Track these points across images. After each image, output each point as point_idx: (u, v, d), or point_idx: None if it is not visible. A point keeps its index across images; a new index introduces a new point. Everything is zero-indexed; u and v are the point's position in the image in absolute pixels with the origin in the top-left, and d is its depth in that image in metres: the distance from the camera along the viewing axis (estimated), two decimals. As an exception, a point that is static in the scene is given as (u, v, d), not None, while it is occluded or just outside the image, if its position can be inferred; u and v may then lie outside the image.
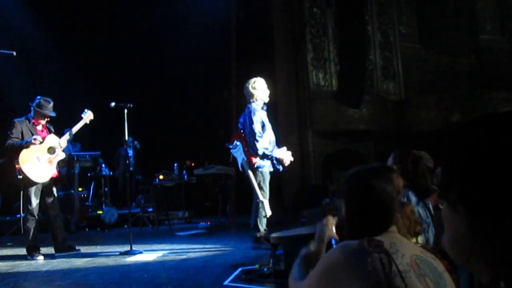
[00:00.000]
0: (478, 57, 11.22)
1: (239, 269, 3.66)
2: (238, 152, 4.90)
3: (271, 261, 3.52)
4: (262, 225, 4.75)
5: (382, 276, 1.07)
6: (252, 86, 4.95)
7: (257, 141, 4.76)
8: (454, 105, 9.56)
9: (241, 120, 5.03)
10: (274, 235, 3.76)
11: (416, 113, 10.03)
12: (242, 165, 4.89)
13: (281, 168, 4.95)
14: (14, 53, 4.74)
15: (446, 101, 9.87)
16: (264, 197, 4.73)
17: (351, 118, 9.41)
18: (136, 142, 8.36)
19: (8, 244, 5.89)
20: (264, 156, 4.78)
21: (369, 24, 10.20)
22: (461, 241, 0.56)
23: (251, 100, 4.94)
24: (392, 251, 1.12)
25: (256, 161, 4.77)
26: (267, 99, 5.01)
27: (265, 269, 3.42)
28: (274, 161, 4.86)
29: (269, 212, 4.73)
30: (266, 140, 4.85)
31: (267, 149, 4.79)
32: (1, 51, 4.87)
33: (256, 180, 4.75)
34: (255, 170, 4.78)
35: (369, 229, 1.20)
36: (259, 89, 4.95)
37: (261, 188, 4.74)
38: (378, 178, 1.25)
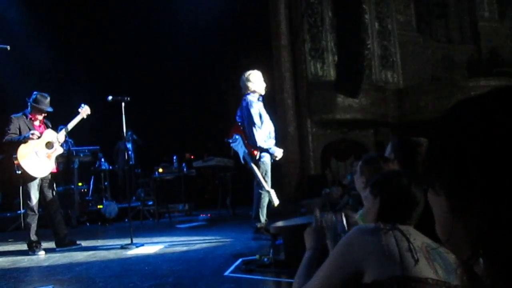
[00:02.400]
0: (477, 44, 11.16)
1: (240, 260, 3.67)
2: (238, 145, 4.89)
3: (271, 251, 3.53)
4: (263, 216, 4.76)
5: (395, 250, 1.12)
6: (247, 79, 4.91)
7: (255, 132, 4.75)
8: (453, 93, 9.52)
9: (238, 113, 4.99)
10: (274, 225, 3.77)
11: (414, 101, 10.00)
12: (244, 158, 4.88)
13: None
14: (8, 47, 4.69)
15: (445, 89, 9.83)
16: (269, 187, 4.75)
17: (350, 107, 9.39)
18: (135, 136, 8.34)
19: (9, 240, 5.89)
20: (261, 150, 4.77)
21: (367, 13, 10.12)
22: (444, 222, 0.59)
23: (247, 92, 4.91)
24: (406, 233, 1.18)
25: (257, 152, 4.77)
26: (263, 92, 4.97)
27: (266, 259, 3.43)
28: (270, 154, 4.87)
29: (276, 201, 4.73)
30: (264, 132, 4.83)
31: (265, 141, 4.79)
32: (-5, 45, 4.81)
33: (260, 171, 4.75)
34: (257, 161, 4.78)
35: (393, 220, 1.27)
36: (255, 82, 4.91)
37: (264, 178, 4.74)
38: (415, 185, 1.37)
